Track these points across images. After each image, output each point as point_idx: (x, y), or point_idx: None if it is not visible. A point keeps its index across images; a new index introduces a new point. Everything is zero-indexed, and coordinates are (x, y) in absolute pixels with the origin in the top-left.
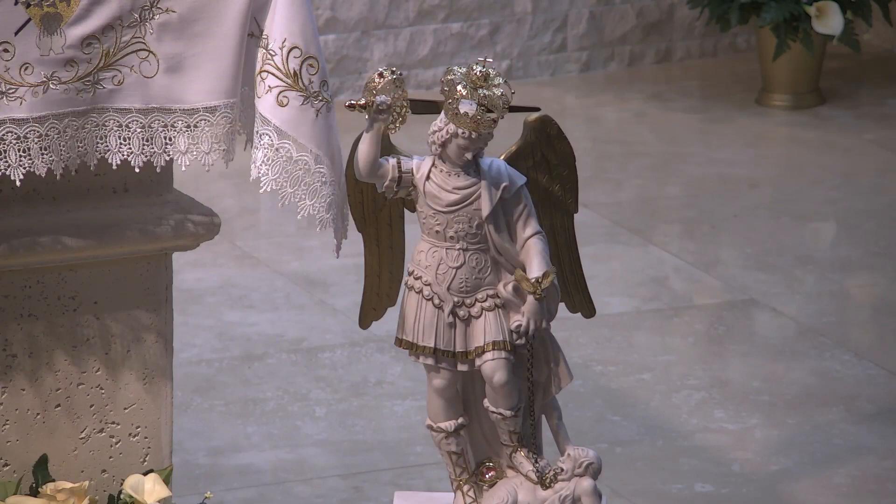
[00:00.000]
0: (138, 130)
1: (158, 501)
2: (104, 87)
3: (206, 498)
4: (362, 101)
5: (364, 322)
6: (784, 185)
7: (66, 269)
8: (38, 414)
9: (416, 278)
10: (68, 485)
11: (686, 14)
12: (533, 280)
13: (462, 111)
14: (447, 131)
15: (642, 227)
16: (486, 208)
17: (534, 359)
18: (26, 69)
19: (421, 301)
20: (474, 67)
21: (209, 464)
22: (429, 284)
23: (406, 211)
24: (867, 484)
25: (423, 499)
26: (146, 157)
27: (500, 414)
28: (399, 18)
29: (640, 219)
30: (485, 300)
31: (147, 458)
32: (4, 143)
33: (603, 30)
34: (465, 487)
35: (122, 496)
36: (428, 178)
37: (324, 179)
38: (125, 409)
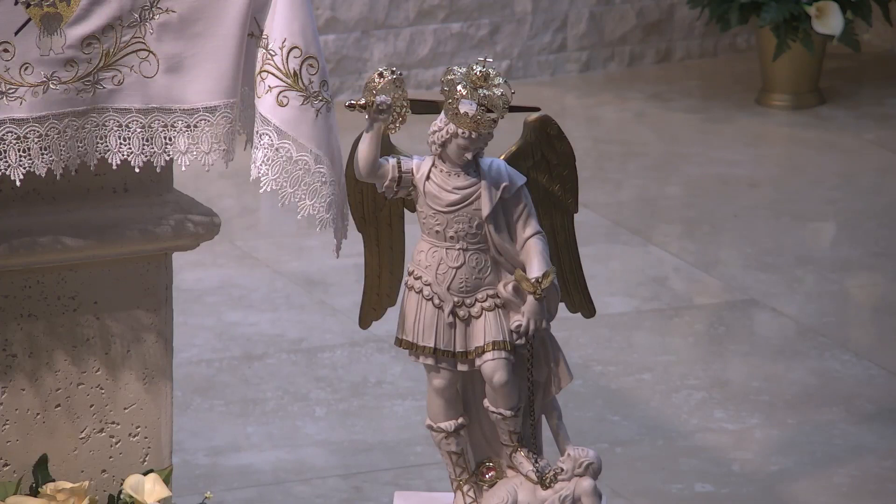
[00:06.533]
0: (138, 130)
1: (158, 501)
2: (104, 87)
3: (206, 498)
4: (362, 101)
5: (364, 322)
6: (784, 185)
7: (66, 269)
8: (38, 414)
9: (416, 278)
10: (68, 485)
11: (686, 14)
12: (533, 280)
13: (462, 111)
14: (447, 131)
15: (642, 227)
16: (486, 208)
17: (534, 359)
18: (26, 69)
19: (421, 301)
20: (474, 67)
21: (209, 464)
22: (429, 284)
23: (406, 211)
24: (867, 484)
25: (423, 499)
26: (146, 157)
27: (500, 414)
28: (399, 18)
29: (640, 219)
30: (485, 300)
31: (147, 458)
32: (4, 143)
33: (603, 30)
34: (465, 487)
35: (122, 496)
36: (428, 178)
37: (324, 179)
38: (125, 409)
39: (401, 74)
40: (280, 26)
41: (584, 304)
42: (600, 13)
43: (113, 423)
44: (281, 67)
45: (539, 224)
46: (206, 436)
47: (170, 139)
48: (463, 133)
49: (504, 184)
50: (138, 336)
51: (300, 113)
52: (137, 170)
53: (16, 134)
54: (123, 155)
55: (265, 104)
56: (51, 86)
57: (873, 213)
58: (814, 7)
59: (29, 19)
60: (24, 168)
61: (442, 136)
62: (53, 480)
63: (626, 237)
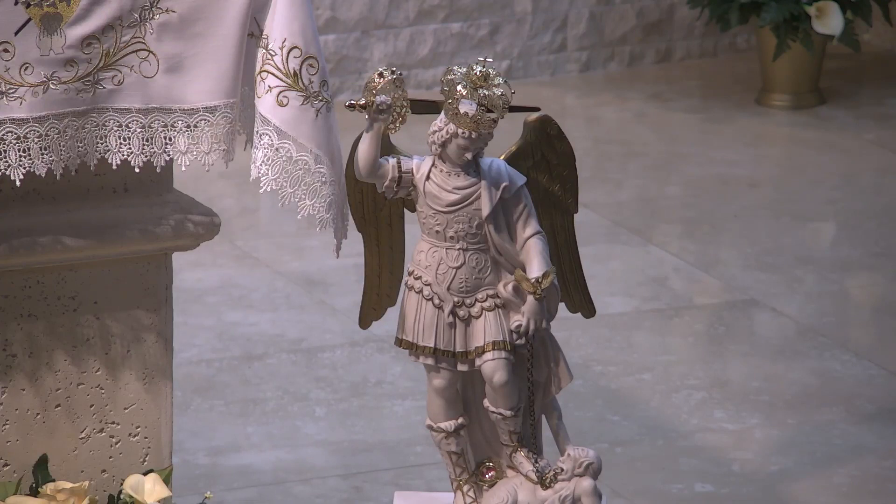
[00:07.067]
0: (138, 130)
1: (158, 501)
2: (104, 87)
3: (206, 498)
4: (362, 101)
5: (364, 322)
6: (784, 185)
7: (66, 269)
8: (38, 414)
9: (416, 278)
10: (68, 485)
11: (686, 14)
12: (533, 280)
13: (462, 111)
14: (447, 131)
15: (642, 227)
16: (486, 208)
17: (534, 359)
18: (26, 69)
19: (421, 301)
20: (474, 67)
21: (209, 464)
22: (429, 284)
23: (406, 211)
24: (867, 484)
25: (423, 499)
26: (146, 157)
27: (500, 414)
28: (399, 18)
29: (640, 219)
30: (485, 300)
31: (147, 458)
32: (4, 143)
33: (603, 30)
34: (465, 487)
35: (122, 496)
36: (428, 177)
37: (324, 179)
38: (125, 409)
39: (401, 74)
40: (280, 26)
41: (584, 304)
42: (600, 13)
43: (113, 423)
44: (281, 67)
45: (539, 224)
46: (206, 436)
47: (170, 139)
48: (463, 133)
49: (504, 184)
50: (138, 336)
51: (300, 113)
52: (137, 170)
53: (16, 134)
54: (123, 155)
55: (265, 104)
56: (51, 86)
57: (873, 213)
58: (814, 7)
59: (29, 19)
60: (24, 168)
61: (442, 136)
62: (53, 480)
63: (626, 237)
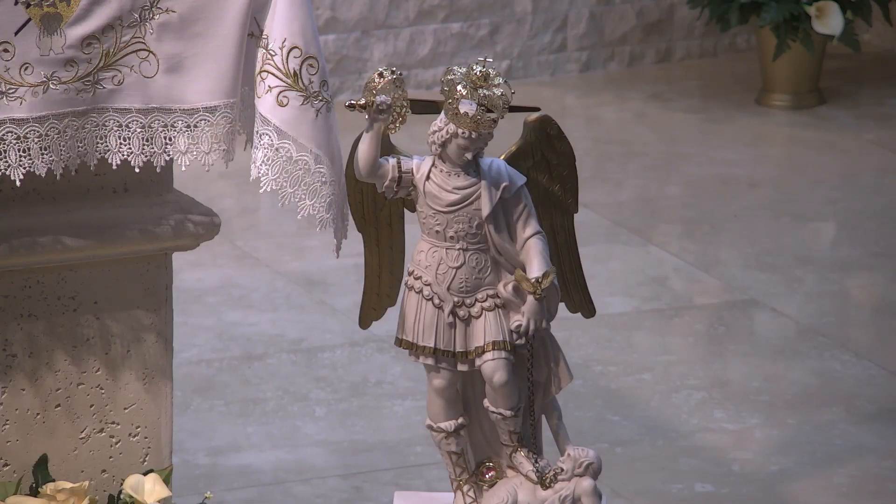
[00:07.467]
0: (138, 130)
1: (158, 501)
2: (104, 87)
3: (206, 498)
4: (362, 101)
5: (364, 322)
6: (784, 185)
7: (66, 269)
8: (38, 414)
9: (416, 278)
10: (68, 485)
11: (686, 14)
12: (533, 280)
13: (462, 111)
14: (447, 131)
15: (642, 227)
16: (486, 208)
17: (534, 359)
18: (26, 69)
19: (421, 301)
20: (474, 67)
21: (209, 464)
22: (429, 284)
23: (406, 211)
24: (867, 484)
25: (423, 499)
26: (146, 157)
27: (500, 414)
28: (399, 18)
29: (640, 219)
30: (485, 300)
31: (147, 458)
32: (4, 143)
33: (603, 30)
34: (465, 487)
35: (122, 496)
36: (428, 177)
37: (324, 179)
38: (125, 409)
39: (401, 74)
40: (280, 26)
41: (584, 304)
42: (600, 13)
43: (113, 423)
44: (281, 67)
45: (539, 224)
46: (206, 436)
47: (170, 139)
48: (463, 133)
49: (504, 184)
50: (138, 336)
51: (300, 113)
52: (137, 170)
53: (16, 134)
54: (123, 155)
55: (265, 104)
56: (51, 86)
57: (873, 213)
58: (814, 7)
59: (29, 19)
60: (24, 168)
61: (442, 136)
62: (53, 480)
63: (626, 237)
